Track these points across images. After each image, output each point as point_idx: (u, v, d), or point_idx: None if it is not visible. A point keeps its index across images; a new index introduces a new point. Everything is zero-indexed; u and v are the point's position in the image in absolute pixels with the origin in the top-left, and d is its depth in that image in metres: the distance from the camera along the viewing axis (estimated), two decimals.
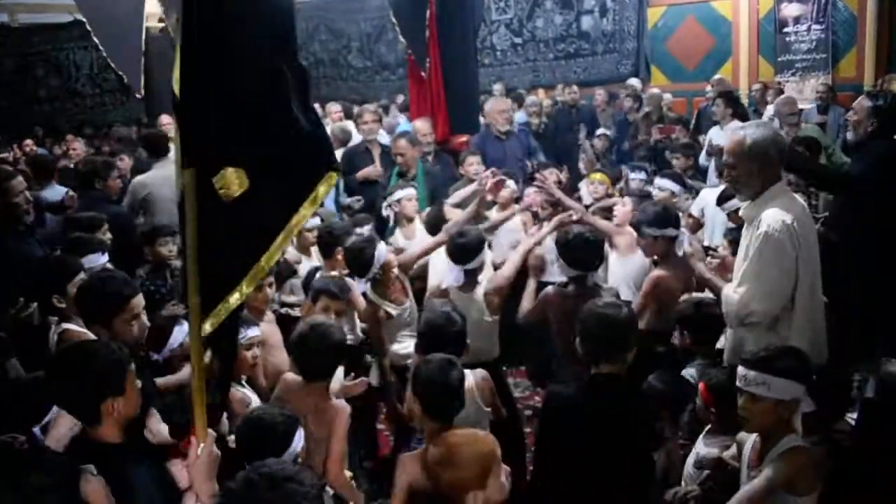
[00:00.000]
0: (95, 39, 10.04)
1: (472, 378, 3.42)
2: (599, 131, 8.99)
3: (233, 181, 2.37)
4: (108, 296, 3.26)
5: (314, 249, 5.10)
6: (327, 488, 3.00)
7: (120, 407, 2.39)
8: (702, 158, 7.63)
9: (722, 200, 4.87)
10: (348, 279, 4.37)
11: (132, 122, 12.53)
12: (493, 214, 5.46)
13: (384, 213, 5.47)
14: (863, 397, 3.04)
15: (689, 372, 3.56)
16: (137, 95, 10.30)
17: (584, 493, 2.95)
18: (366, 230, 5.01)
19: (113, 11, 9.77)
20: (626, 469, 2.95)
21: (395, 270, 4.42)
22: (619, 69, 12.56)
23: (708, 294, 3.83)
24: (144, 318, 3.35)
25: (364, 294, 4.38)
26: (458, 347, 3.36)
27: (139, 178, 6.14)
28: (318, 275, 4.62)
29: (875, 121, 4.65)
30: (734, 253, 3.69)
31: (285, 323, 4.26)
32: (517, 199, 5.83)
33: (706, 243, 5.44)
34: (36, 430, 2.86)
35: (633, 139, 9.19)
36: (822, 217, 5.06)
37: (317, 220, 5.15)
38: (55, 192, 6.25)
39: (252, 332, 3.46)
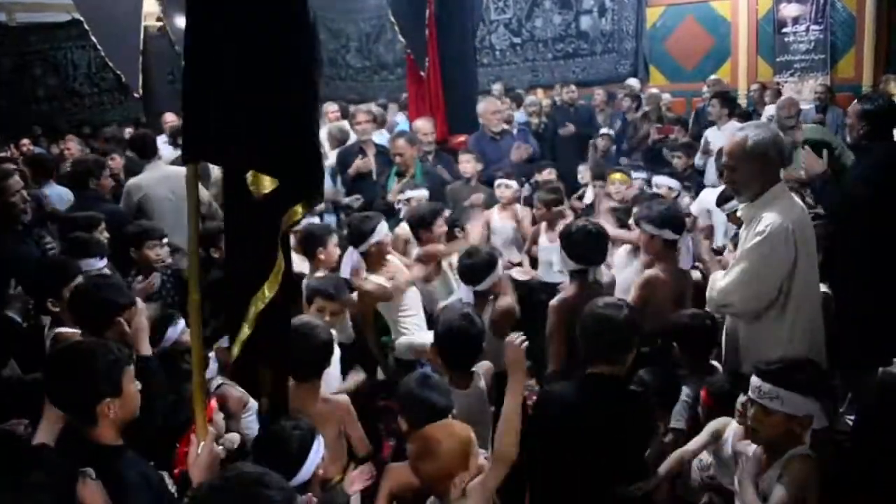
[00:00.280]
0: (93, 39, 10.01)
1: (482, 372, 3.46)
2: (603, 131, 8.98)
3: (265, 178, 2.38)
4: (101, 302, 3.27)
5: None
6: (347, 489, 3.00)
7: (116, 408, 2.37)
8: (697, 158, 7.62)
9: (721, 201, 4.85)
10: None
11: (130, 121, 12.51)
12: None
13: (396, 205, 5.44)
14: (862, 399, 3.05)
15: (686, 391, 3.47)
16: (136, 95, 10.28)
17: (576, 493, 2.93)
18: None
19: (111, 11, 9.75)
20: (619, 471, 2.92)
21: (391, 254, 4.53)
22: (618, 69, 12.56)
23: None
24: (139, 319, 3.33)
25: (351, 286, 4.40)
26: (476, 351, 3.36)
27: (132, 180, 6.11)
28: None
29: (865, 124, 4.65)
30: None
31: None
32: (517, 200, 5.85)
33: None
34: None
35: (631, 139, 9.19)
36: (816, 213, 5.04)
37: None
38: (53, 191, 6.25)
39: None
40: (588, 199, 6.65)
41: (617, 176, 6.09)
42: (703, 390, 3.19)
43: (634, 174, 6.37)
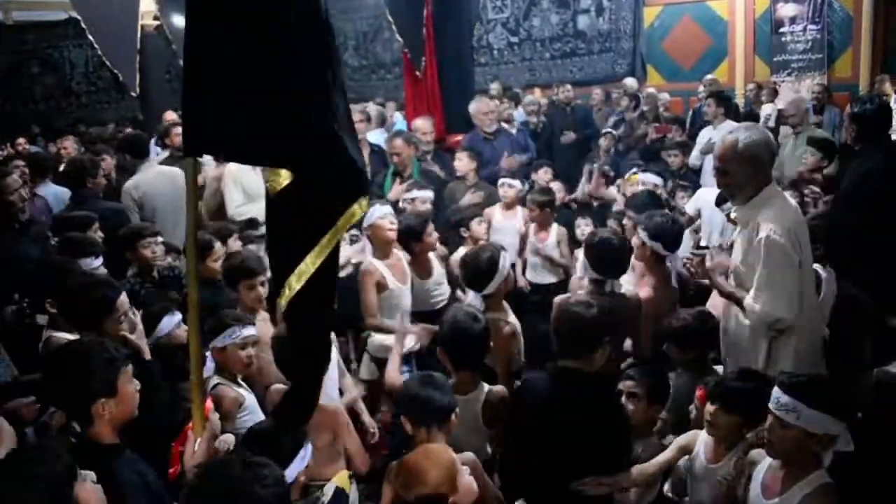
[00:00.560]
0: (90, 37, 10.00)
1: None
2: (605, 130, 8.99)
3: (279, 173, 2.34)
4: (94, 300, 3.26)
5: None
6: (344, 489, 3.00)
7: (112, 408, 2.37)
8: (692, 157, 7.63)
9: (721, 201, 4.85)
10: None
11: (127, 120, 12.51)
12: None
13: (401, 204, 5.45)
14: (859, 398, 3.05)
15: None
16: (132, 93, 10.27)
17: (546, 479, 2.99)
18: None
19: (108, 9, 9.75)
20: (585, 462, 2.95)
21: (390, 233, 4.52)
22: (616, 68, 12.56)
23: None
24: (133, 315, 3.35)
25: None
26: (482, 349, 3.33)
27: (130, 181, 6.11)
28: None
29: (855, 127, 4.69)
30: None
31: None
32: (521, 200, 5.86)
33: (703, 243, 5.44)
34: (29, 431, 2.85)
35: (628, 139, 9.19)
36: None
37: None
38: (50, 190, 6.25)
39: (247, 332, 3.42)
40: (578, 192, 6.67)
41: (636, 177, 6.09)
42: (700, 389, 3.19)
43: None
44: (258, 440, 2.63)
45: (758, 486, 2.65)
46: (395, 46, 11.70)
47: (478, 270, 3.90)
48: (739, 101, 10.72)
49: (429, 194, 5.37)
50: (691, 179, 7.01)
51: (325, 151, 2.32)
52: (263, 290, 4.00)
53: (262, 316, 4.02)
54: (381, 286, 4.44)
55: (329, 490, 2.99)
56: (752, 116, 8.91)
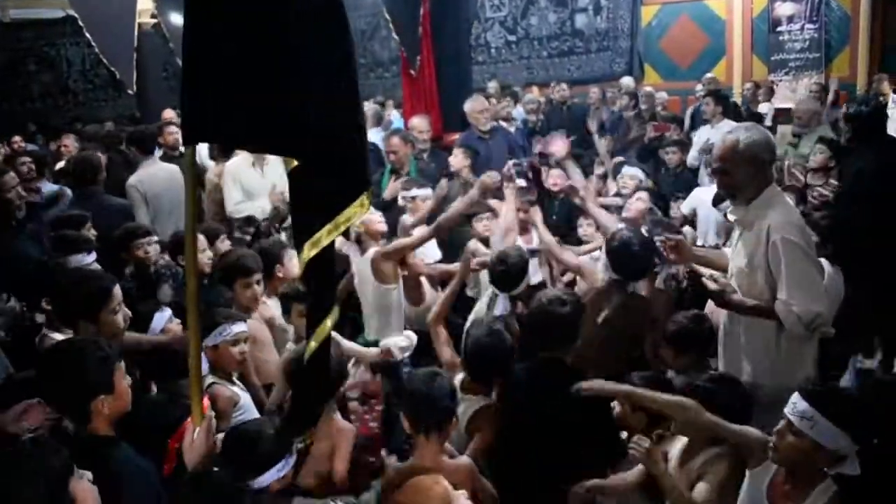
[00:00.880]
0: (88, 35, 9.98)
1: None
2: (594, 129, 8.98)
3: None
4: (91, 292, 3.27)
5: None
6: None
7: (110, 404, 2.40)
8: (690, 157, 7.62)
9: (718, 201, 4.85)
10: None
11: (124, 117, 12.48)
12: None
13: (400, 203, 5.43)
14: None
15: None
16: (130, 91, 10.25)
17: (527, 462, 3.07)
18: None
19: (105, 7, 9.73)
20: (567, 445, 3.01)
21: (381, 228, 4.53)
22: (613, 67, 12.57)
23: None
24: (125, 308, 3.38)
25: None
26: (504, 366, 3.32)
27: (132, 178, 6.12)
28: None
29: (849, 127, 4.70)
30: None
31: None
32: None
33: (699, 242, 5.45)
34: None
35: (625, 137, 9.19)
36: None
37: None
38: (47, 188, 6.24)
39: (238, 328, 3.41)
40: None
41: (629, 172, 6.13)
42: (686, 388, 3.18)
43: (631, 171, 6.40)
44: (237, 441, 2.60)
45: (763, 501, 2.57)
46: (392, 45, 11.71)
47: (510, 272, 3.91)
48: (737, 99, 10.72)
49: (428, 192, 5.35)
50: (688, 178, 7.00)
51: (327, 142, 2.30)
52: (259, 289, 4.00)
53: (257, 315, 4.02)
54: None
55: None
56: (756, 116, 8.91)
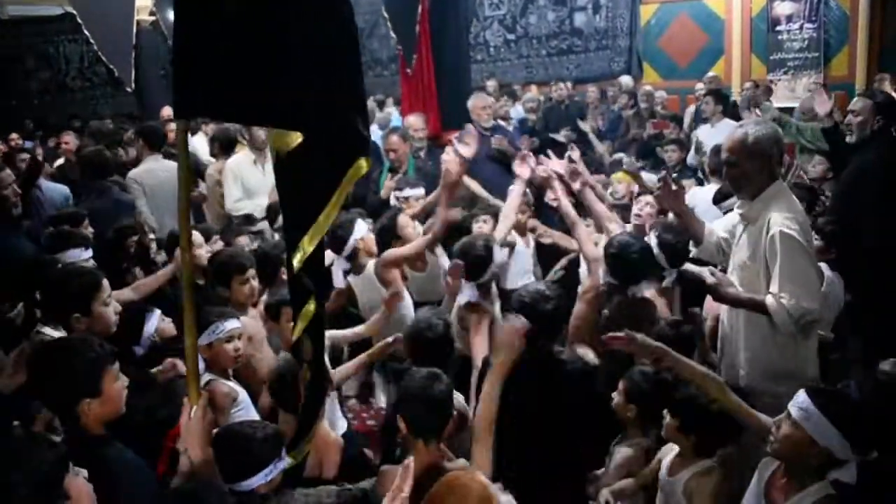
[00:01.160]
0: (86, 32, 9.98)
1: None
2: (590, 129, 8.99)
3: (287, 135, 2.29)
4: (82, 283, 3.30)
5: None
6: None
7: (96, 408, 2.38)
8: (690, 156, 7.62)
9: (719, 199, 4.84)
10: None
11: (123, 115, 12.47)
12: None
13: (392, 202, 5.41)
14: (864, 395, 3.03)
15: None
16: (128, 89, 10.25)
17: (520, 455, 3.03)
18: None
19: (104, 4, 9.74)
20: (559, 438, 3.03)
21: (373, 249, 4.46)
22: (612, 66, 12.57)
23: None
24: (115, 302, 3.41)
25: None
26: (442, 355, 3.32)
27: (131, 173, 6.17)
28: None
29: (881, 117, 4.71)
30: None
31: None
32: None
33: None
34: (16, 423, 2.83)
35: (624, 136, 9.20)
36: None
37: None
38: (44, 186, 6.23)
39: (230, 325, 3.39)
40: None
41: (618, 175, 6.10)
42: (622, 382, 3.21)
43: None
44: (226, 443, 2.55)
45: (761, 496, 2.60)
46: (392, 43, 11.65)
47: (474, 260, 3.91)
48: (736, 98, 10.72)
49: (421, 191, 5.32)
50: (687, 175, 7.00)
51: (323, 110, 2.26)
52: (255, 284, 4.00)
53: (254, 312, 4.01)
54: None
55: None
56: (749, 115, 8.88)
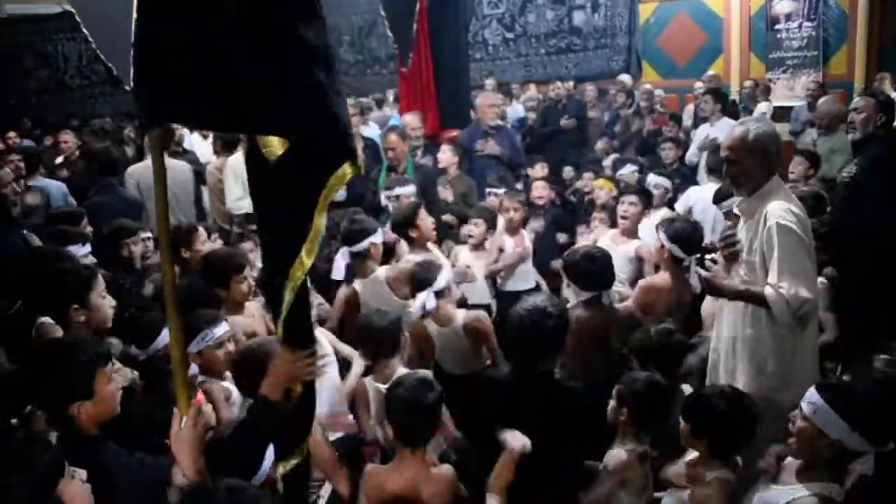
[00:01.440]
0: (85, 31, 9.96)
1: None
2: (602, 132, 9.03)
3: (273, 140, 2.27)
4: (79, 274, 3.36)
5: None
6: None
7: (89, 409, 2.37)
8: (690, 154, 7.63)
9: (719, 199, 4.85)
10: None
11: (121, 114, 12.45)
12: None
13: (384, 202, 5.42)
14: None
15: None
16: (127, 87, 10.21)
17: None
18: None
19: (102, 3, 9.70)
20: (553, 455, 3.00)
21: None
22: (611, 65, 12.57)
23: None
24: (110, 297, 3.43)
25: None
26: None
27: (128, 170, 6.18)
28: None
29: (883, 115, 4.77)
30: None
31: None
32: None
33: None
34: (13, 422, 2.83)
35: (623, 135, 9.20)
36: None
37: None
38: (40, 185, 6.23)
39: (220, 331, 3.37)
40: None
41: (599, 182, 6.19)
42: (617, 387, 3.18)
43: (624, 169, 6.42)
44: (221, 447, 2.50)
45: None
46: (390, 42, 11.68)
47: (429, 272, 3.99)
48: (735, 97, 10.72)
49: (412, 189, 5.34)
50: (685, 173, 7.02)
51: (305, 114, 2.21)
52: (252, 283, 4.00)
53: (250, 311, 4.01)
54: None
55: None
56: (748, 114, 8.89)
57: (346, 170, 2.29)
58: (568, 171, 8.12)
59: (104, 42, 10.02)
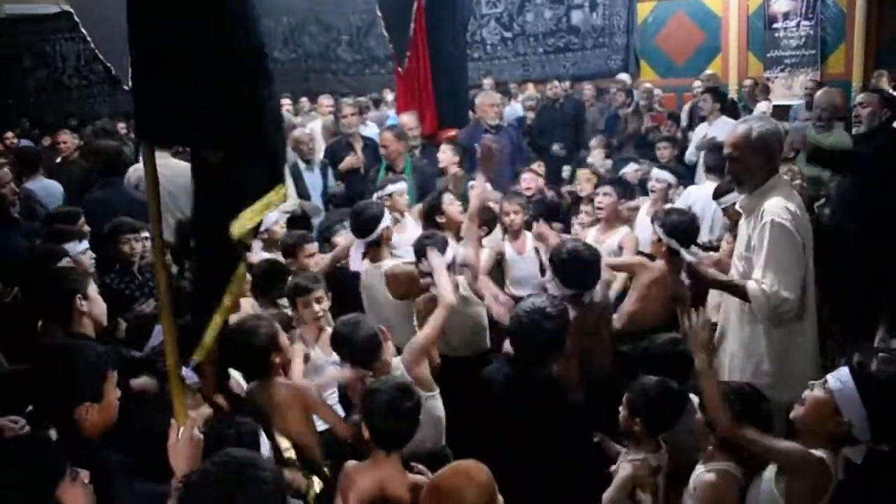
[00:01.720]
0: (83, 30, 9.95)
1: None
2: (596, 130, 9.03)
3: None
4: (74, 273, 3.42)
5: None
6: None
7: (95, 414, 2.36)
8: (689, 153, 7.63)
9: (718, 195, 4.85)
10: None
11: (119, 114, 12.44)
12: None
13: (377, 200, 5.41)
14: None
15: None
16: (125, 87, 10.21)
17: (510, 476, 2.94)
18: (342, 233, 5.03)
19: (101, 2, 9.70)
20: (551, 460, 3.01)
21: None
22: (609, 64, 12.57)
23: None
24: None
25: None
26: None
27: (131, 168, 6.13)
28: None
29: (888, 110, 4.80)
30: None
31: None
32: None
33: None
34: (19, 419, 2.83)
35: (622, 134, 9.20)
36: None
37: (277, 216, 5.13)
38: (39, 185, 6.23)
39: None
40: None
41: (583, 173, 6.25)
42: (626, 395, 3.13)
43: (626, 168, 6.44)
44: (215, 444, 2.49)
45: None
46: (387, 41, 11.69)
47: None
48: (733, 96, 10.73)
49: (403, 186, 5.34)
50: (680, 172, 7.00)
51: (249, 137, 2.34)
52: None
53: (245, 308, 4.02)
54: None
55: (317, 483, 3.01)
56: (747, 113, 8.90)
57: (274, 194, 2.41)
58: (567, 171, 8.14)
59: (102, 42, 10.02)
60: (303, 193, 6.35)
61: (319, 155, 6.99)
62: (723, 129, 7.19)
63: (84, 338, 3.21)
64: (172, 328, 2.37)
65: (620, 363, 3.78)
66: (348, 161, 6.62)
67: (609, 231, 5.15)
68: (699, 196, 5.51)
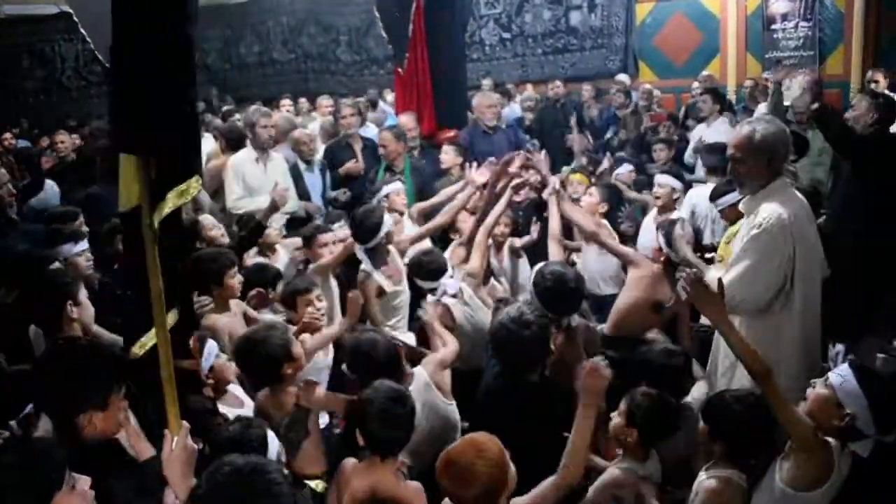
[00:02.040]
0: (82, 31, 9.91)
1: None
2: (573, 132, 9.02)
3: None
4: (66, 278, 3.43)
5: (278, 247, 5.13)
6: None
7: (98, 422, 2.34)
8: (687, 155, 7.63)
9: (715, 197, 4.84)
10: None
11: None
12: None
13: (375, 202, 5.42)
14: None
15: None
16: None
17: None
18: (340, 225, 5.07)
19: (100, 3, 9.65)
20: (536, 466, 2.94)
21: (392, 248, 4.54)
22: (608, 65, 12.58)
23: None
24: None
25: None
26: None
27: None
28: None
29: (875, 114, 4.80)
30: None
31: None
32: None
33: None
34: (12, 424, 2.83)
35: (620, 134, 9.19)
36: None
37: (283, 218, 5.16)
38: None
39: (215, 346, 3.34)
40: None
41: (576, 176, 6.19)
42: (624, 405, 3.12)
43: (620, 169, 6.43)
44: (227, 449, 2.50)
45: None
46: (385, 42, 11.69)
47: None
48: (731, 97, 10.73)
49: (399, 186, 5.37)
50: (676, 172, 6.99)
51: (178, 133, 2.52)
52: (237, 283, 4.08)
53: (235, 310, 4.04)
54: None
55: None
56: (748, 114, 8.89)
57: (194, 181, 2.56)
58: (564, 172, 8.11)
59: (101, 42, 9.97)
60: (304, 194, 6.32)
61: (318, 155, 6.99)
62: (720, 130, 7.22)
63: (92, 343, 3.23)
64: (166, 335, 2.37)
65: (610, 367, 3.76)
66: (348, 167, 6.60)
67: None
68: (703, 196, 5.47)
